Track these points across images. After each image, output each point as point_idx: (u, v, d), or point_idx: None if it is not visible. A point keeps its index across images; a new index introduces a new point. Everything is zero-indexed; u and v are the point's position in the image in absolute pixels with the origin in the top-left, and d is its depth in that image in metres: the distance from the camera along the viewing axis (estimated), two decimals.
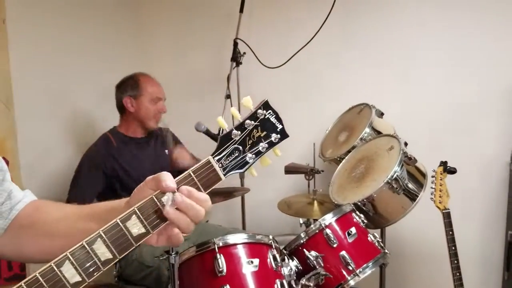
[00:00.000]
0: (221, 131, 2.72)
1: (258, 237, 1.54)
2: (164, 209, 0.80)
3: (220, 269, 1.42)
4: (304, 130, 2.74)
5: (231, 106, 2.64)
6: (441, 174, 2.07)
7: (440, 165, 2.07)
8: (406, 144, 2.14)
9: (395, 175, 1.93)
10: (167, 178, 0.82)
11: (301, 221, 2.49)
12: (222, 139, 0.92)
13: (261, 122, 0.94)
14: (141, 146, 2.48)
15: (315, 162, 2.49)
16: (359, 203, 1.96)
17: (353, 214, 1.81)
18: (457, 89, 2.59)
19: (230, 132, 0.92)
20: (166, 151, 2.57)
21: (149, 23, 3.23)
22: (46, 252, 0.92)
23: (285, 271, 1.54)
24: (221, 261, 1.43)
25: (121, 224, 0.78)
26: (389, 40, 2.67)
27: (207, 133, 2.48)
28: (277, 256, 1.54)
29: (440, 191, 2.06)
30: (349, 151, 2.34)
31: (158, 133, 2.60)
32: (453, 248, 1.98)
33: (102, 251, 0.75)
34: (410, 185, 2.01)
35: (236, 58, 2.68)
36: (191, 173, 0.85)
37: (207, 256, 1.47)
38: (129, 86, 2.42)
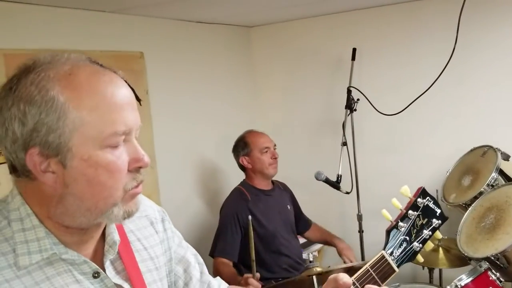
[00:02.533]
0: (339, 178, 2.79)
1: None
2: None
3: None
4: (423, 175, 2.73)
5: (348, 154, 2.71)
6: None
7: None
8: None
9: None
10: (343, 277, 0.93)
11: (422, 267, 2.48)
12: (391, 232, 0.99)
13: (422, 210, 1.01)
14: (270, 198, 2.65)
15: None
16: (492, 257, 1.92)
17: (489, 273, 1.78)
18: None
19: (396, 224, 0.99)
20: (288, 206, 2.72)
21: (262, 74, 3.42)
22: None
23: None
24: None
25: None
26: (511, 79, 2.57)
27: (327, 181, 2.60)
28: None
29: None
30: (475, 197, 2.28)
31: (281, 187, 2.77)
32: None
33: None
34: None
35: (350, 105, 2.74)
36: (369, 269, 0.95)
37: None
38: (240, 147, 2.66)
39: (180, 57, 2.78)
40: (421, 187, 1.03)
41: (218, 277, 1.17)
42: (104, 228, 0.89)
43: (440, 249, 2.39)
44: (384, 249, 0.97)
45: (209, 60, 3.01)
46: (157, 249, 0.99)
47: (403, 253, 0.97)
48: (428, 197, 1.02)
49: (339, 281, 0.92)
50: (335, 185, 2.60)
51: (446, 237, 2.45)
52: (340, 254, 2.63)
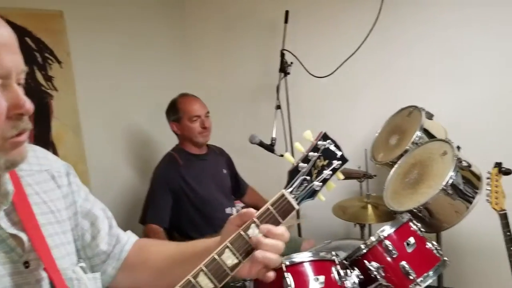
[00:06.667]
0: (273, 141, 2.80)
1: (322, 254, 1.62)
2: (252, 242, 0.93)
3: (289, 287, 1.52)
4: (355, 136, 2.80)
5: (282, 117, 2.72)
6: (496, 175, 2.06)
7: (494, 166, 2.07)
8: (459, 148, 2.15)
9: (450, 181, 1.96)
10: (248, 210, 0.97)
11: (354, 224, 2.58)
12: (292, 173, 1.02)
13: (323, 152, 1.05)
14: (203, 162, 2.61)
15: (367, 167, 2.54)
16: (415, 210, 2.01)
17: (410, 224, 1.86)
18: (509, 88, 2.55)
19: (297, 166, 1.02)
20: (224, 170, 2.70)
21: (195, 38, 3.33)
22: (157, 286, 1.08)
23: (348, 284, 1.61)
24: (290, 279, 1.52)
25: (217, 258, 0.91)
26: (437, 41, 2.65)
27: (261, 144, 2.60)
28: (341, 271, 1.62)
29: (496, 192, 2.06)
30: (401, 155, 2.37)
31: (216, 152, 2.74)
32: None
33: (206, 282, 0.89)
34: (466, 189, 2.03)
35: (283, 68, 2.74)
36: (269, 207, 0.97)
37: (276, 275, 1.57)
38: (171, 112, 2.59)
39: (106, 17, 2.63)
40: (322, 131, 1.07)
41: (129, 231, 1.15)
42: None
43: (369, 206, 2.48)
44: (285, 188, 1.00)
45: (138, 23, 2.89)
46: (58, 203, 0.97)
47: (303, 191, 1.01)
48: (329, 140, 1.06)
49: (244, 214, 0.97)
50: (269, 148, 2.61)
51: (374, 194, 2.54)
52: None
